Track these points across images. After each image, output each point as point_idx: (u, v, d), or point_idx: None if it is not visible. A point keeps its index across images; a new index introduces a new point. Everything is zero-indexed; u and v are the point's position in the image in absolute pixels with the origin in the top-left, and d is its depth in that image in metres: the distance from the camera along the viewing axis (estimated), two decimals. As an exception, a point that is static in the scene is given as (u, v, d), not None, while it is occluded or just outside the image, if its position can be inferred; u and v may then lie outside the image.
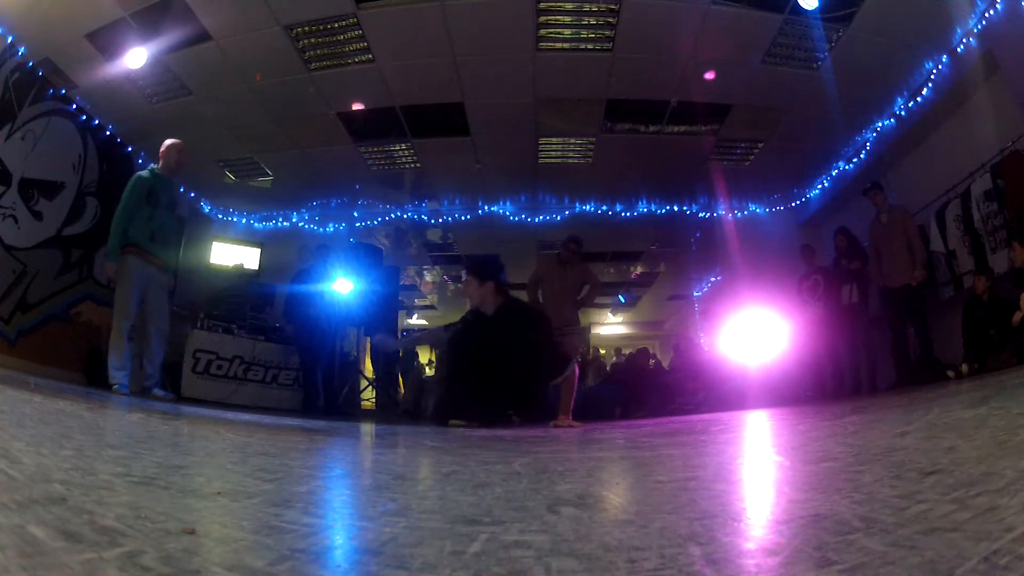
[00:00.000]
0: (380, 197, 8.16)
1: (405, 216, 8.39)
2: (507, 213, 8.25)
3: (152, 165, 4.26)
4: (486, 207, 8.24)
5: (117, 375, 3.78)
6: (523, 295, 5.24)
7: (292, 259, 7.07)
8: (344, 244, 7.52)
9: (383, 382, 7.53)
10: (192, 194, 7.40)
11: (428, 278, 11.54)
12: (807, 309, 5.89)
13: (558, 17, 4.96)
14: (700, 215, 8.20)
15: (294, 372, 6.05)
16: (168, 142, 4.24)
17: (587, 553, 0.48)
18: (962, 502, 0.54)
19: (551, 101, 6.05)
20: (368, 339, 7.40)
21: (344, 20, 4.91)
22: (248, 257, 7.58)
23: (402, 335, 9.19)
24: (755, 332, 5.72)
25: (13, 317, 4.92)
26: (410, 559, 0.47)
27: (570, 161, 7.30)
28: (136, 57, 5.17)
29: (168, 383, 5.33)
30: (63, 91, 5.42)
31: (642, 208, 8.14)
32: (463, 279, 3.34)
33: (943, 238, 5.43)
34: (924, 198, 5.64)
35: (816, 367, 5.80)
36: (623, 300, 12.99)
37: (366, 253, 7.07)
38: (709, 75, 5.54)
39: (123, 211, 3.96)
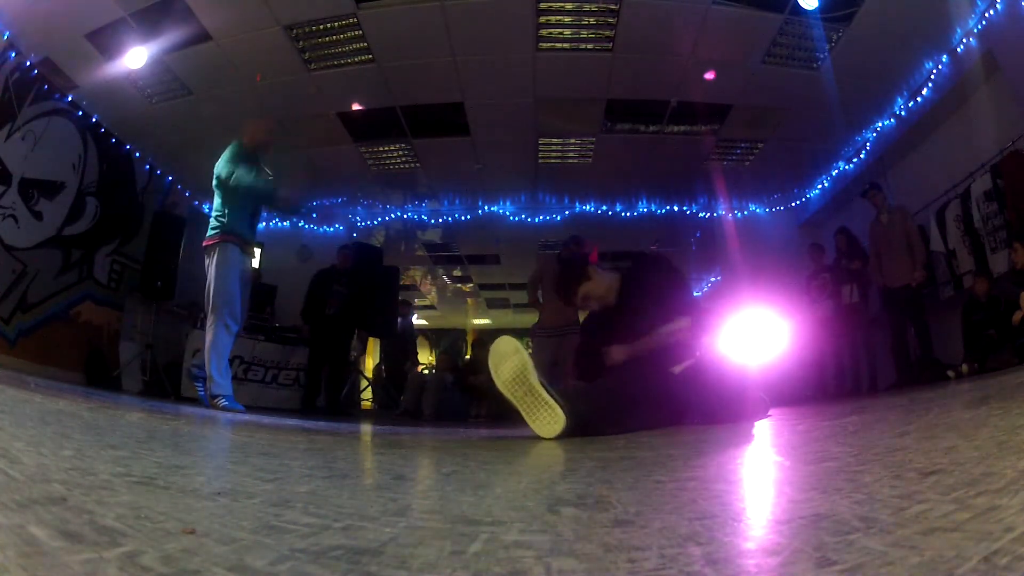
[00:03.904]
0: (380, 197, 8.15)
1: (405, 216, 8.39)
2: (507, 213, 8.26)
3: (235, 141, 3.69)
4: (486, 207, 8.24)
5: (223, 384, 3.22)
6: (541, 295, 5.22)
7: (292, 259, 7.08)
8: (348, 244, 7.52)
9: (387, 382, 7.53)
10: (188, 193, 7.40)
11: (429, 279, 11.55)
12: (816, 308, 5.89)
13: (558, 17, 4.96)
14: (700, 215, 8.20)
15: (294, 372, 6.05)
16: (254, 121, 3.75)
17: (587, 553, 0.48)
18: (962, 502, 0.54)
19: (551, 101, 6.05)
20: (370, 339, 7.42)
21: (344, 20, 4.92)
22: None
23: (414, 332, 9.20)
24: (755, 332, 5.72)
25: (13, 317, 4.92)
26: (410, 559, 0.47)
27: (570, 161, 7.30)
28: (136, 57, 5.18)
29: (168, 384, 5.35)
30: (63, 91, 5.42)
31: (642, 208, 8.15)
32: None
33: (943, 238, 5.43)
34: (924, 198, 5.65)
35: (819, 367, 5.80)
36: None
37: (367, 253, 7.08)
38: (709, 75, 5.54)
39: (242, 174, 3.36)
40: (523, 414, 1.92)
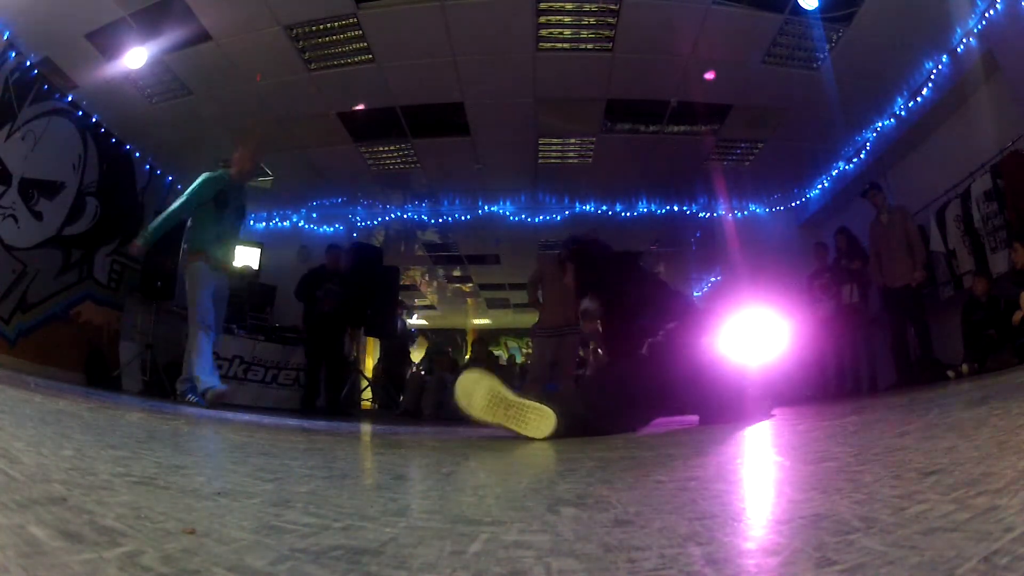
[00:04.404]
0: (380, 197, 8.16)
1: (405, 216, 8.39)
2: (507, 213, 8.26)
3: (222, 169, 3.97)
4: (486, 207, 8.24)
5: (210, 380, 3.55)
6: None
7: (292, 259, 7.08)
8: (347, 244, 7.53)
9: (385, 381, 7.54)
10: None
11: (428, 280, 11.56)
12: (816, 308, 5.88)
13: (558, 17, 4.96)
14: (700, 215, 8.20)
15: (294, 372, 6.05)
16: (242, 149, 4.05)
17: (587, 553, 0.48)
18: (962, 502, 0.54)
19: (551, 101, 6.05)
20: (369, 338, 7.42)
21: (344, 20, 4.91)
22: (248, 257, 7.59)
23: (412, 332, 9.21)
24: (755, 332, 5.72)
25: (13, 317, 4.92)
26: (410, 559, 0.47)
27: (570, 161, 7.30)
28: (136, 57, 5.18)
29: (168, 384, 5.35)
30: (63, 91, 5.42)
31: (642, 208, 8.15)
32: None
33: (943, 238, 5.43)
34: (924, 198, 5.65)
35: (819, 367, 5.80)
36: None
37: (367, 253, 7.08)
38: (709, 75, 5.54)
39: (180, 207, 3.70)
40: (513, 428, 1.93)
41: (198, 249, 3.73)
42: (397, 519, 0.62)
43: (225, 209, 3.81)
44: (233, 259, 4.03)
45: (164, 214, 3.73)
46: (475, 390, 2.01)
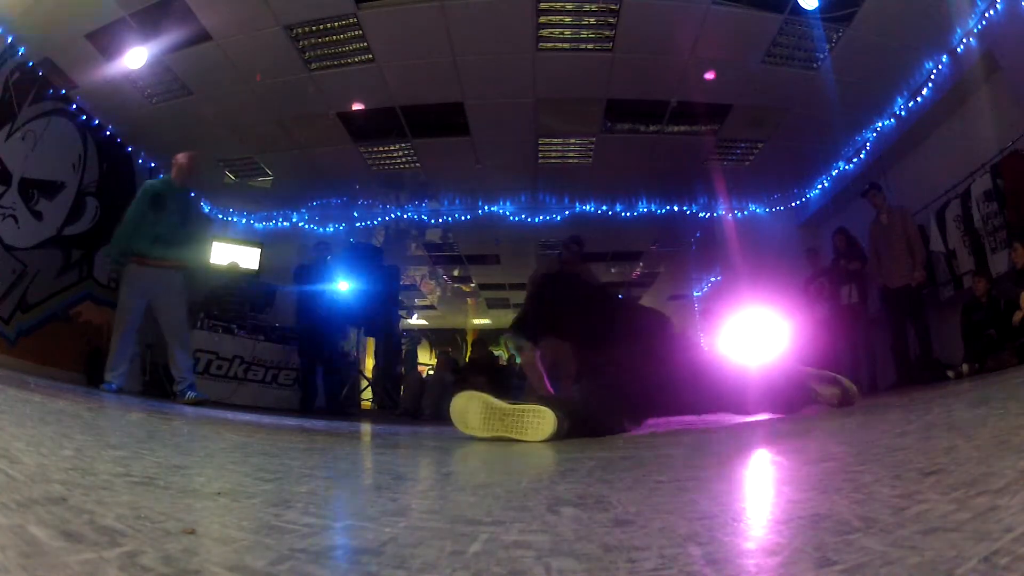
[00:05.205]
0: (380, 197, 8.16)
1: (405, 216, 8.39)
2: (507, 213, 8.26)
3: (163, 175, 4.27)
4: (486, 207, 8.24)
5: (107, 375, 3.83)
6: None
7: (292, 259, 7.09)
8: (344, 243, 7.54)
9: (383, 381, 7.54)
10: (191, 193, 7.41)
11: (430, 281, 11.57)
12: (814, 310, 5.89)
13: (558, 17, 4.96)
14: (700, 215, 8.20)
15: (294, 372, 6.06)
16: (181, 153, 4.28)
17: (587, 553, 0.47)
18: (962, 502, 0.54)
19: (551, 101, 6.05)
20: (368, 338, 7.42)
21: (344, 20, 4.92)
22: (248, 257, 7.59)
23: (404, 335, 9.21)
24: (755, 332, 5.72)
25: (13, 317, 4.92)
26: (410, 559, 0.47)
27: (570, 161, 7.30)
28: (136, 57, 5.18)
29: (168, 384, 5.34)
30: (63, 91, 5.42)
31: (642, 208, 8.15)
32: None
33: (943, 238, 5.43)
34: (924, 198, 5.64)
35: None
36: (623, 300, 12.98)
37: (366, 253, 7.09)
38: (709, 75, 5.54)
39: (128, 223, 3.97)
40: (514, 436, 1.92)
41: (133, 252, 3.94)
42: (397, 519, 0.62)
43: (162, 212, 4.01)
44: (182, 255, 4.19)
45: (115, 237, 4.02)
46: (468, 409, 2.01)
